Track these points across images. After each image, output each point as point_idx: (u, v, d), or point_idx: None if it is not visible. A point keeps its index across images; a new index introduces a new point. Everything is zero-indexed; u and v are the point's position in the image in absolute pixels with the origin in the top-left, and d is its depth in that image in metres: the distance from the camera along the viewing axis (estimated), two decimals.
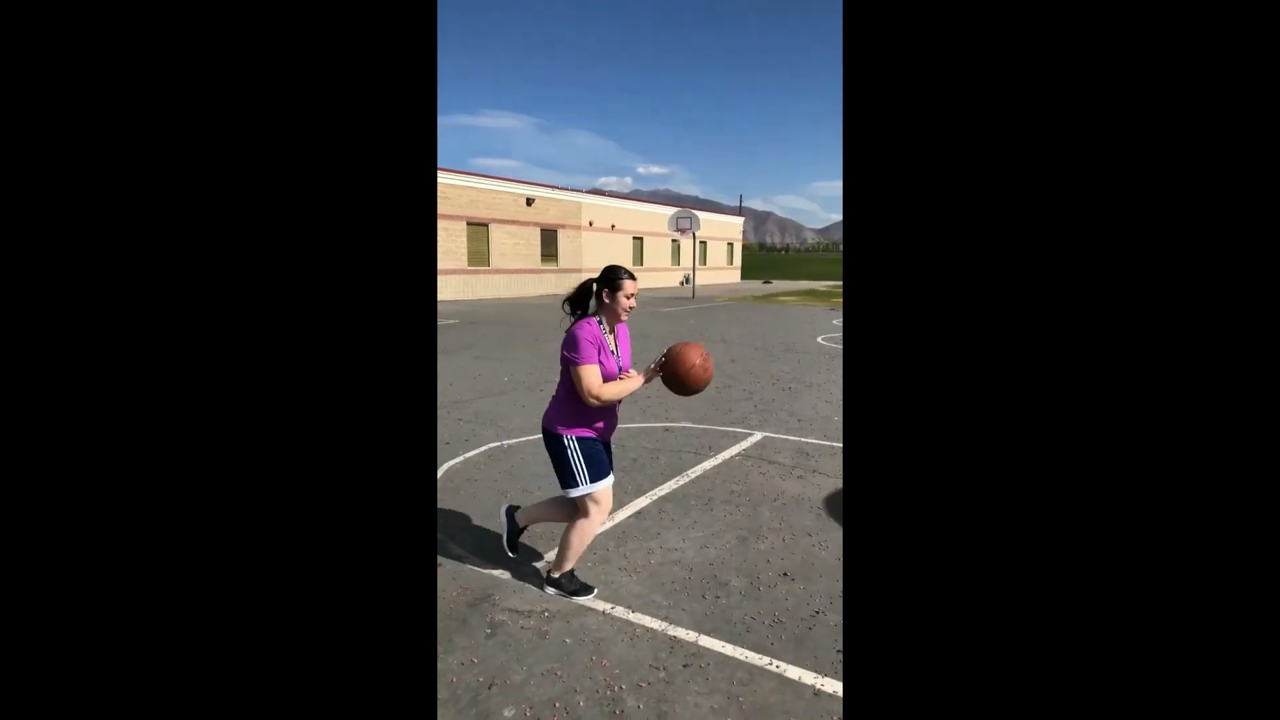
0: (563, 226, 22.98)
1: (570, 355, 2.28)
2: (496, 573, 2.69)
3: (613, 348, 2.38)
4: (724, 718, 1.85)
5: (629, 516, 3.29)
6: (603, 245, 24.77)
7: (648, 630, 2.28)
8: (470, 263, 19.50)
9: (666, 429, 4.93)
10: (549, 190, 22.49)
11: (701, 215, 24.31)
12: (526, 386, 6.52)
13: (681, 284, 28.12)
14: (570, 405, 2.36)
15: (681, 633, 2.27)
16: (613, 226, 25.25)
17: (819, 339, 10.61)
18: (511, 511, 2.77)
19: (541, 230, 22.13)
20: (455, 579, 2.62)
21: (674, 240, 28.56)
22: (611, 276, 2.36)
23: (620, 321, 2.41)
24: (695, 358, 2.38)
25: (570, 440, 2.36)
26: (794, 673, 2.05)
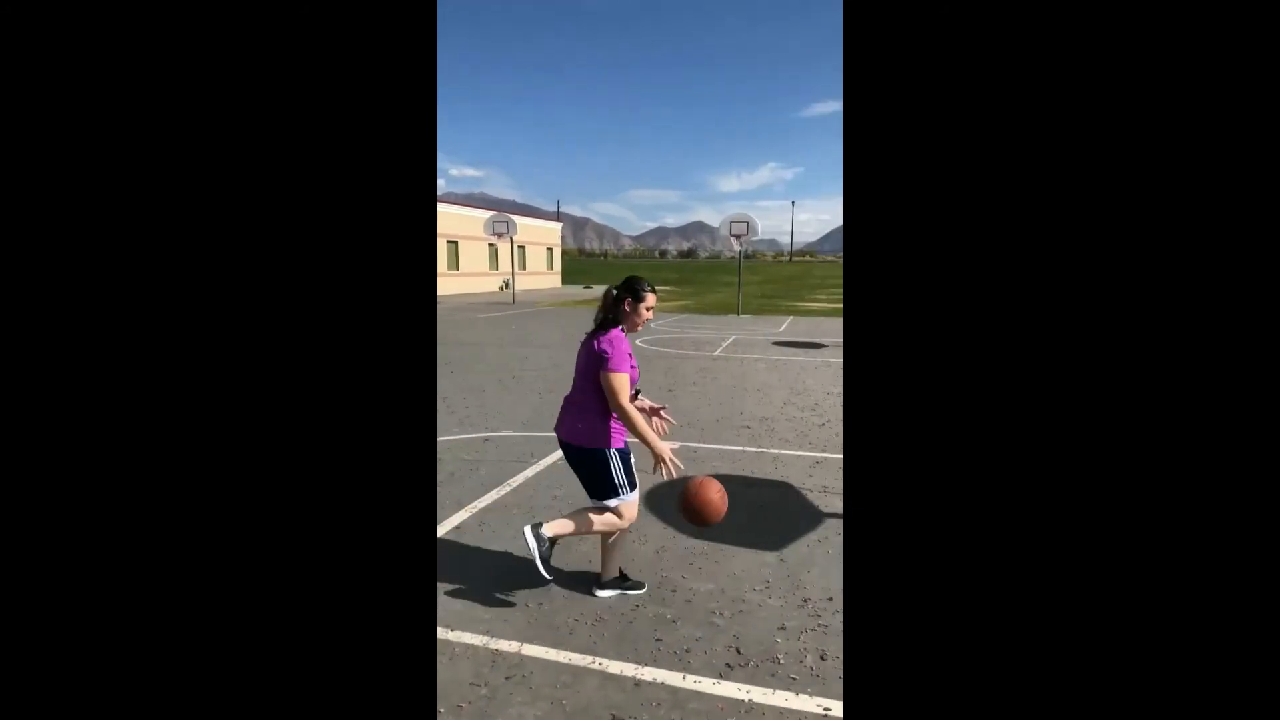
0: None
1: (609, 354, 2.30)
2: None
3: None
4: None
5: (447, 533, 3.16)
6: None
7: (468, 647, 2.21)
8: None
9: (486, 439, 4.81)
10: None
11: (519, 219, 24.05)
12: None
13: (501, 289, 27.61)
14: (605, 417, 2.38)
15: (504, 644, 2.23)
16: None
17: (638, 342, 11.02)
18: (537, 528, 2.42)
19: None
20: None
21: (491, 244, 27.94)
22: (635, 287, 2.40)
23: (637, 330, 2.46)
24: (713, 495, 2.40)
25: (613, 454, 2.39)
26: (616, 668, 2.11)
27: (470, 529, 3.20)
